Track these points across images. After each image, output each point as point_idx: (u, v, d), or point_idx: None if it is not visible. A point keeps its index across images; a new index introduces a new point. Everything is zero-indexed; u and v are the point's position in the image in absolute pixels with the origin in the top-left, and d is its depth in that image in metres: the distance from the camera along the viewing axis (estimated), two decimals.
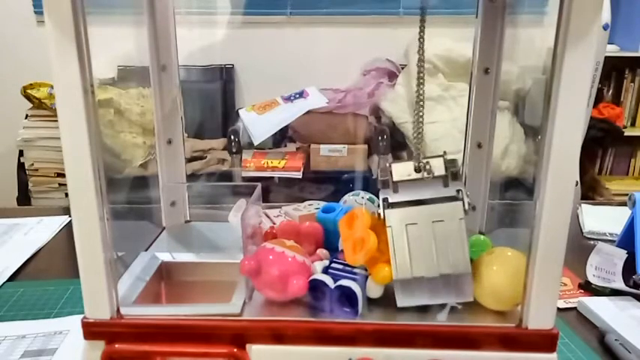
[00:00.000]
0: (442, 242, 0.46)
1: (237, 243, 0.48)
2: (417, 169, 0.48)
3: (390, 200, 0.47)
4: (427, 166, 0.47)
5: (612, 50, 2.48)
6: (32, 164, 2.24)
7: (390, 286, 0.48)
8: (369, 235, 0.45)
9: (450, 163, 0.48)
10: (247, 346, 0.46)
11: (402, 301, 0.46)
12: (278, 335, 0.46)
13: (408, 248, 0.46)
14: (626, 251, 0.74)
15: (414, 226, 0.46)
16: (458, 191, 0.46)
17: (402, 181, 0.47)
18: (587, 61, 0.39)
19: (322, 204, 0.63)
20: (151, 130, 0.66)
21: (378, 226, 0.47)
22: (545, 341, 0.44)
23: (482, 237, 0.56)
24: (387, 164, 0.48)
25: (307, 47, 2.49)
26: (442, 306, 0.48)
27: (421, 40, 0.48)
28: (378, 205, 0.47)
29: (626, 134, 2.65)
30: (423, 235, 0.46)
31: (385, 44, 2.46)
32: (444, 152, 0.48)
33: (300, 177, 2.17)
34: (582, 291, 0.74)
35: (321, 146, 2.25)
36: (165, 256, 0.58)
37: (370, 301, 0.48)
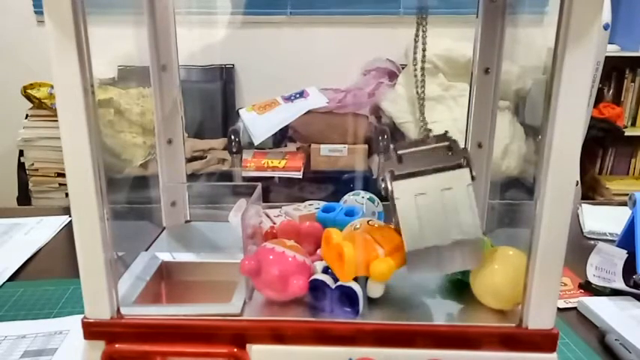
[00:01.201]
0: (452, 210, 0.45)
1: (238, 243, 0.48)
2: (420, 142, 0.47)
3: (396, 172, 0.46)
4: (430, 136, 0.47)
5: (613, 50, 2.48)
6: (32, 164, 2.24)
7: (390, 285, 0.48)
8: (342, 247, 0.45)
9: (452, 141, 0.48)
10: (247, 346, 0.46)
11: (413, 271, 0.46)
12: (278, 335, 0.46)
13: (417, 219, 0.45)
14: (626, 251, 0.74)
15: (423, 196, 0.46)
16: (463, 158, 0.46)
17: (405, 152, 0.47)
18: (587, 60, 0.39)
19: (322, 204, 0.63)
20: (151, 130, 0.66)
21: (355, 234, 0.47)
22: (546, 341, 0.44)
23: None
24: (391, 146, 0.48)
25: (307, 47, 2.49)
26: None
27: (417, 38, 0.49)
28: (383, 179, 0.47)
29: (626, 134, 2.65)
30: (432, 204, 0.46)
31: (385, 44, 2.46)
32: (446, 131, 0.48)
33: (301, 177, 2.17)
34: (582, 291, 0.74)
35: (322, 146, 2.25)
36: (165, 256, 0.58)
37: (370, 301, 0.48)
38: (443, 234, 0.45)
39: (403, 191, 0.46)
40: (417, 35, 0.49)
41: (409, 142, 0.48)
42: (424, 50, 0.49)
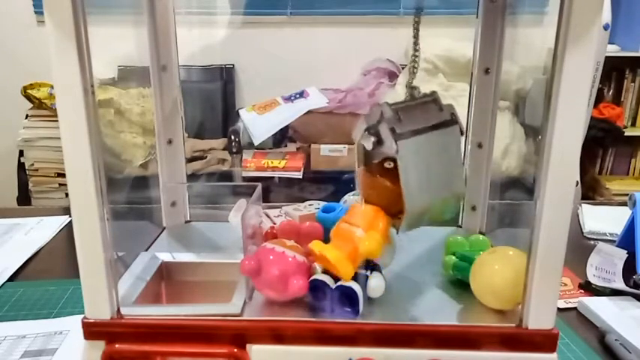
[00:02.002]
0: (447, 166, 0.46)
1: (238, 243, 0.48)
2: (411, 96, 0.48)
3: (397, 130, 0.45)
4: (418, 91, 0.48)
5: (613, 50, 2.48)
6: (32, 164, 2.24)
7: (390, 285, 0.48)
8: (324, 254, 0.46)
9: (437, 98, 0.48)
10: (247, 346, 0.46)
11: (406, 230, 0.47)
12: (278, 335, 0.46)
13: (417, 178, 0.45)
14: (626, 251, 0.74)
15: (422, 155, 0.46)
16: (451, 114, 0.47)
17: (397, 105, 0.46)
18: (587, 61, 0.39)
19: (322, 204, 0.63)
20: (151, 130, 0.66)
21: (335, 230, 0.48)
22: (546, 341, 0.44)
23: (481, 237, 0.56)
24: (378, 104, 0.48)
25: (307, 47, 2.49)
26: None
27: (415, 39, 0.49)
28: (372, 132, 0.46)
29: (626, 134, 2.65)
30: (430, 162, 0.46)
31: (385, 44, 2.46)
32: (433, 91, 0.49)
33: (301, 177, 2.17)
34: (582, 291, 0.74)
35: (322, 146, 2.25)
36: (165, 256, 0.58)
37: (370, 301, 0.48)
38: (438, 191, 0.46)
39: (407, 150, 0.45)
40: (414, 36, 0.50)
41: (400, 101, 0.48)
42: (416, 51, 0.50)
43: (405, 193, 0.45)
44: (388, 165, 0.47)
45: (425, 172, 0.46)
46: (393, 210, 0.48)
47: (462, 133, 0.47)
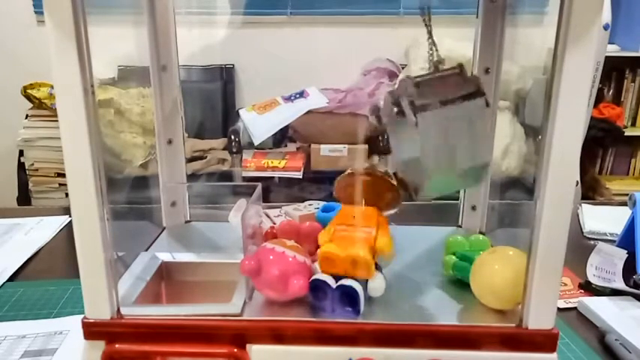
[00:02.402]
0: (470, 139, 0.46)
1: (238, 243, 0.48)
2: (435, 68, 0.47)
3: (417, 102, 0.45)
4: (443, 63, 0.47)
5: (613, 50, 2.48)
6: (32, 164, 2.24)
7: (390, 285, 0.48)
8: (354, 255, 0.46)
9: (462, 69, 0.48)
10: (247, 346, 0.46)
11: (426, 196, 0.48)
12: (278, 335, 0.46)
13: (438, 149, 0.46)
14: (626, 251, 0.74)
15: (444, 126, 0.46)
16: (477, 86, 0.46)
17: (421, 77, 0.46)
18: (587, 61, 0.39)
19: (322, 204, 0.63)
20: (151, 130, 0.66)
21: (342, 235, 0.48)
22: (546, 341, 0.44)
23: (481, 237, 0.56)
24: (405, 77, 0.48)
25: (307, 47, 2.49)
26: None
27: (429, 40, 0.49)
28: (397, 105, 0.46)
29: (626, 134, 2.65)
30: (453, 132, 0.46)
31: (385, 44, 2.46)
32: (459, 64, 0.48)
33: (301, 177, 2.17)
34: (582, 291, 0.74)
35: (322, 146, 2.25)
36: (165, 256, 0.58)
37: (370, 301, 0.48)
38: (463, 161, 0.46)
39: (426, 122, 0.45)
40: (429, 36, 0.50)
41: (425, 74, 0.48)
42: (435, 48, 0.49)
43: (423, 162, 0.46)
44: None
45: (447, 142, 0.46)
46: (386, 202, 0.50)
47: (487, 105, 0.46)
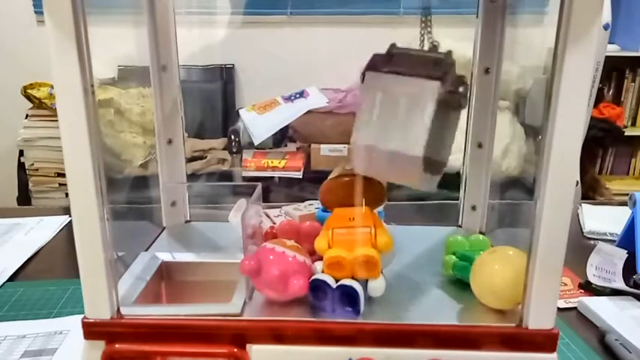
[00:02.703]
0: (406, 119, 0.44)
1: (238, 243, 0.48)
2: (433, 47, 0.47)
3: (377, 63, 0.46)
4: (431, 41, 0.46)
5: (613, 50, 2.48)
6: (32, 164, 2.24)
7: (390, 285, 0.48)
8: (368, 254, 0.46)
9: (446, 56, 0.47)
10: (247, 346, 0.46)
11: (357, 167, 0.47)
12: (278, 335, 0.46)
13: (373, 112, 0.45)
14: (626, 251, 0.74)
15: (386, 94, 0.45)
16: (444, 73, 0.45)
17: (400, 49, 0.47)
18: (587, 60, 0.39)
19: None
20: (151, 130, 0.66)
21: (343, 235, 0.48)
22: (546, 341, 0.44)
23: (481, 237, 0.56)
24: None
25: (307, 47, 2.49)
26: None
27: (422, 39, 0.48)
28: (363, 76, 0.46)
29: (626, 134, 2.65)
30: (391, 105, 0.45)
31: (385, 44, 2.45)
32: (449, 50, 0.47)
33: (301, 177, 2.17)
34: (582, 291, 0.74)
35: (322, 146, 2.25)
36: (165, 256, 0.58)
37: (370, 301, 0.48)
38: (388, 138, 0.45)
39: (372, 81, 0.45)
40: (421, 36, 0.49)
41: (411, 48, 0.47)
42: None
43: (355, 120, 0.45)
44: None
45: (382, 111, 0.45)
46: (372, 200, 0.50)
47: (438, 95, 0.45)
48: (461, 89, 0.46)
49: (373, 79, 0.45)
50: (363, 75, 0.47)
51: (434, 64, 0.46)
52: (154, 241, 0.63)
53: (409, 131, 0.44)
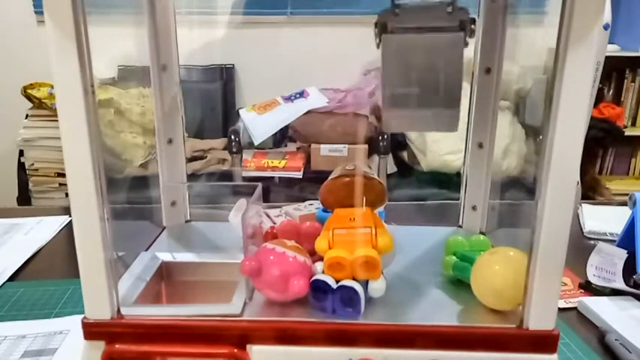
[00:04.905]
0: (437, 74, 0.44)
1: (238, 243, 0.48)
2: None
3: (389, 26, 0.44)
4: None
5: (613, 50, 2.48)
6: (32, 164, 2.24)
7: (390, 285, 0.48)
8: (369, 255, 0.46)
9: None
10: (248, 346, 0.46)
11: (387, 127, 0.46)
12: (279, 335, 0.46)
13: (399, 77, 0.44)
14: (626, 251, 0.74)
15: (411, 54, 0.44)
16: (460, 21, 0.44)
17: (405, 3, 0.45)
18: (588, 60, 0.39)
19: None
20: (152, 129, 0.66)
21: (342, 236, 0.48)
22: (547, 342, 0.45)
23: (482, 237, 0.56)
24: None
25: (307, 47, 2.49)
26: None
27: None
28: (376, 36, 0.45)
29: (626, 134, 2.65)
30: (419, 64, 0.44)
31: None
32: None
33: (301, 177, 2.16)
34: (582, 291, 0.74)
35: (322, 146, 2.25)
36: (165, 256, 0.58)
37: (371, 301, 0.48)
38: (426, 100, 0.44)
39: (390, 46, 0.44)
40: None
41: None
42: None
43: (383, 91, 0.45)
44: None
45: (410, 74, 0.44)
46: (373, 200, 0.51)
47: (465, 45, 0.44)
48: (472, 26, 0.45)
49: (390, 44, 0.44)
50: (379, 40, 0.46)
51: (448, 16, 0.44)
52: (154, 241, 0.63)
53: (447, 85, 0.44)
